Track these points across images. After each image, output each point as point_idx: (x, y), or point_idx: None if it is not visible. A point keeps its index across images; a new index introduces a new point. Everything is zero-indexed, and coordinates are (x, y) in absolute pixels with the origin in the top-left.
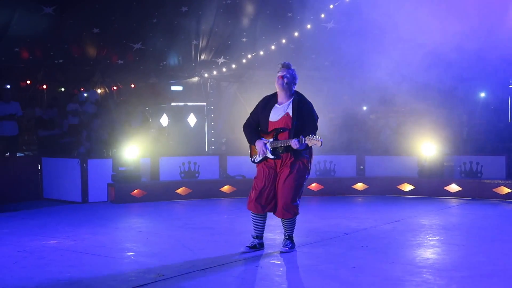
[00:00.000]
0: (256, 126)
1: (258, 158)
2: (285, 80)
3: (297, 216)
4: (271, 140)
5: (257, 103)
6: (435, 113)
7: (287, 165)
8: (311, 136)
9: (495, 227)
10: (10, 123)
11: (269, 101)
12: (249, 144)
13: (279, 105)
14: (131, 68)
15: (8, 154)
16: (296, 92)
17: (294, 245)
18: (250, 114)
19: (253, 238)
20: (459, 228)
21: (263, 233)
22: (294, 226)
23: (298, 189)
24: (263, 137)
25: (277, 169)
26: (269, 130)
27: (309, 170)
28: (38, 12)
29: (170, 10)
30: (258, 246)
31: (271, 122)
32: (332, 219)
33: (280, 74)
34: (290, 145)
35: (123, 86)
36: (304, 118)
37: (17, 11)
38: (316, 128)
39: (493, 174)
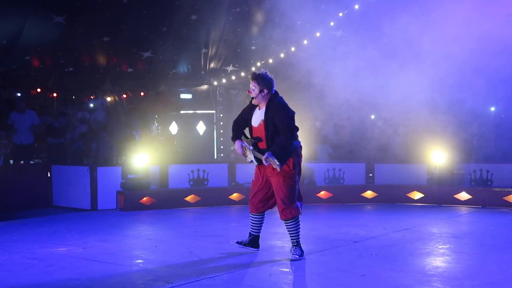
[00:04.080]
0: (243, 124)
1: (248, 159)
2: (252, 94)
3: (302, 223)
4: (251, 148)
5: None
6: (445, 122)
7: (274, 169)
8: (270, 157)
9: (505, 235)
10: (26, 132)
11: (253, 104)
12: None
13: (259, 109)
14: (140, 76)
15: (22, 162)
16: (274, 94)
17: (303, 252)
18: (241, 111)
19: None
20: (469, 237)
21: (258, 231)
22: (297, 231)
23: (290, 190)
24: (248, 138)
25: (267, 172)
26: (252, 135)
27: (297, 169)
28: (49, 21)
29: (180, 18)
30: (245, 241)
31: (253, 127)
32: (341, 227)
33: (249, 88)
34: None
35: (133, 94)
36: (275, 124)
37: (28, 20)
38: (289, 130)
39: (503, 182)
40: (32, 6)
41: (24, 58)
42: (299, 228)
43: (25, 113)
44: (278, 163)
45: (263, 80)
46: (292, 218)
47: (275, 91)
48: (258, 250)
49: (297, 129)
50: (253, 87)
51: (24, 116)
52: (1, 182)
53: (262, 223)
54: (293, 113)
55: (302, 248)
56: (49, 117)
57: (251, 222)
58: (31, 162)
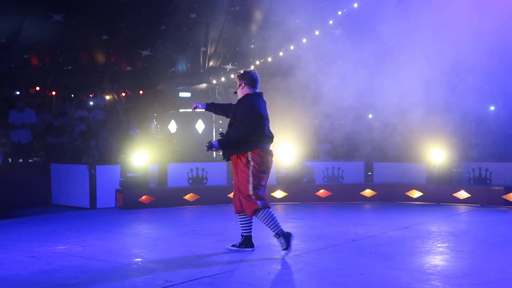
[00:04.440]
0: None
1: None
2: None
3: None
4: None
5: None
6: (444, 121)
7: (234, 163)
8: (208, 144)
9: (504, 234)
10: (24, 130)
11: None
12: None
13: None
14: (139, 74)
15: (21, 160)
16: (252, 94)
17: (288, 242)
18: None
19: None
20: (468, 235)
21: (247, 231)
22: (270, 223)
23: (244, 184)
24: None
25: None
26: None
27: (253, 165)
28: (47, 19)
29: (179, 17)
30: (238, 243)
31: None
32: (340, 226)
33: None
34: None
35: (132, 92)
36: (235, 118)
37: (27, 19)
38: (241, 124)
39: (502, 181)
40: (31, 4)
41: (23, 57)
42: (273, 222)
43: (24, 112)
44: (214, 149)
45: (244, 76)
46: (253, 212)
47: (258, 92)
48: (253, 250)
49: (263, 130)
50: (237, 82)
51: (23, 115)
52: (0, 181)
53: (250, 222)
54: (255, 113)
55: (287, 240)
56: (48, 115)
57: (239, 223)
58: (30, 160)
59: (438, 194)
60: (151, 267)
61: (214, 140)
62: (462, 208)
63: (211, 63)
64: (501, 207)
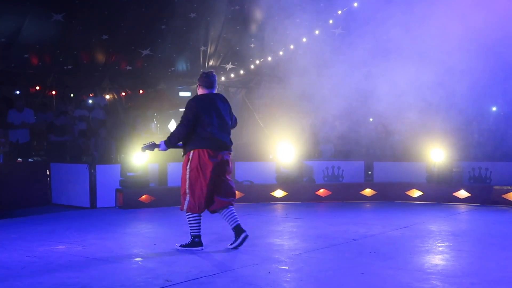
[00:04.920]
0: None
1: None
2: None
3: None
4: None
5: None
6: (444, 120)
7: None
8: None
9: (504, 233)
10: (22, 130)
11: None
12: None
13: None
14: (139, 74)
15: (20, 159)
16: (201, 94)
17: (190, 245)
18: None
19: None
20: (468, 234)
21: (195, 231)
22: (191, 225)
23: (182, 182)
24: None
25: None
26: None
27: (189, 165)
28: (47, 18)
29: (179, 16)
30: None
31: None
32: (340, 225)
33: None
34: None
35: (132, 92)
36: None
37: (27, 18)
38: (181, 122)
39: (502, 180)
40: (31, 4)
41: (23, 56)
42: (193, 225)
43: (23, 111)
44: (159, 149)
45: (200, 77)
46: (185, 210)
47: (210, 93)
48: (202, 249)
49: (202, 131)
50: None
51: (22, 114)
52: (1, 180)
53: (234, 215)
54: (194, 114)
55: (194, 243)
56: (50, 114)
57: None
58: (30, 160)
59: (438, 194)
60: (151, 266)
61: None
62: (462, 207)
63: (211, 63)
64: (501, 207)
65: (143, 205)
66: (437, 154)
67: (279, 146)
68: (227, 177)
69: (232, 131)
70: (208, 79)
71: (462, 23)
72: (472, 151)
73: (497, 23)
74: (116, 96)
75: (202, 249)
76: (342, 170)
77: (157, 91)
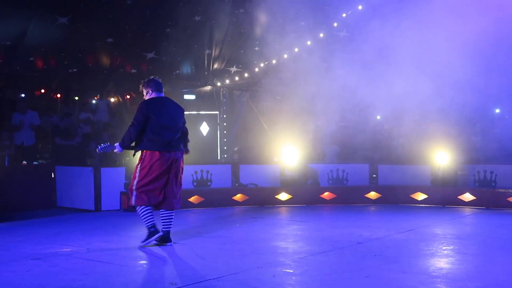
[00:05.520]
0: None
1: None
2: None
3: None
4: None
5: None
6: (449, 123)
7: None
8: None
9: (509, 236)
10: (27, 132)
11: None
12: None
13: None
14: (144, 77)
15: (25, 162)
16: (151, 98)
17: (148, 238)
18: None
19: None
20: (473, 238)
21: (149, 224)
22: (144, 217)
23: (132, 179)
24: None
25: None
26: None
27: (140, 164)
28: (52, 22)
29: (183, 19)
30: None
31: None
32: (344, 228)
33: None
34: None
35: (136, 94)
36: None
37: (32, 21)
38: (130, 127)
39: (507, 183)
40: (36, 7)
41: (28, 59)
42: (145, 217)
43: (26, 113)
44: (115, 151)
45: (149, 84)
46: (135, 205)
47: (161, 97)
48: (171, 244)
49: (150, 133)
50: (144, 90)
51: (25, 117)
52: (6, 183)
53: (170, 221)
54: (143, 116)
55: (151, 236)
56: (55, 117)
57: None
58: (35, 163)
59: (443, 197)
60: (155, 269)
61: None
62: (467, 210)
63: (215, 66)
64: (506, 210)
65: None
66: (441, 157)
67: (284, 149)
68: (177, 177)
69: (237, 133)
70: (157, 84)
71: (465, 25)
72: (476, 154)
73: (499, 24)
74: (120, 99)
75: (160, 235)
76: (347, 173)
77: None
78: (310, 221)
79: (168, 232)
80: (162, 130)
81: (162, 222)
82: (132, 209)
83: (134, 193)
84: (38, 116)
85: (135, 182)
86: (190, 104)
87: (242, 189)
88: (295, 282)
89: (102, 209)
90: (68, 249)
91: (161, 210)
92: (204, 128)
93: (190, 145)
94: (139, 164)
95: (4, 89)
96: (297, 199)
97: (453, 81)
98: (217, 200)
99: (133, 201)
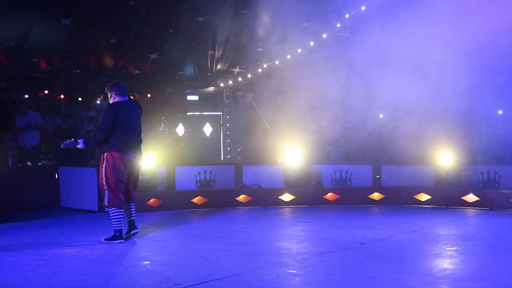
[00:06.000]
0: None
1: None
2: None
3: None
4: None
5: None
6: (453, 124)
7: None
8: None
9: None
10: (30, 134)
11: None
12: None
13: None
14: (147, 78)
15: (29, 163)
16: (116, 101)
17: (111, 239)
18: None
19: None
20: (477, 239)
21: (117, 225)
22: (114, 219)
23: (100, 180)
24: None
25: None
26: None
27: (105, 165)
28: (56, 23)
29: (187, 20)
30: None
31: None
32: (348, 229)
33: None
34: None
35: (140, 95)
36: None
37: (35, 22)
38: (98, 128)
39: (511, 184)
40: (39, 8)
41: (32, 60)
42: (116, 219)
43: (27, 115)
44: (78, 146)
45: (113, 88)
46: (107, 206)
47: (126, 100)
48: (122, 242)
49: (117, 135)
50: (108, 94)
51: (26, 118)
52: (9, 184)
53: (133, 211)
54: (111, 120)
55: (115, 236)
56: (58, 118)
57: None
58: (39, 163)
59: (446, 197)
60: (159, 270)
61: (80, 139)
62: (471, 211)
63: (218, 66)
64: (510, 211)
65: (151, 208)
66: (445, 158)
67: (287, 150)
68: (137, 175)
69: (240, 134)
70: (121, 88)
71: (469, 25)
72: (480, 154)
73: (503, 26)
74: None
75: (122, 242)
76: (350, 174)
77: (165, 95)
78: (314, 222)
79: (134, 219)
80: (128, 133)
81: (127, 213)
82: (136, 209)
83: (107, 193)
84: (39, 116)
85: (104, 183)
86: (194, 105)
87: (245, 190)
88: (299, 282)
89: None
90: (72, 250)
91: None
92: (208, 129)
93: (192, 146)
94: (104, 165)
95: (8, 90)
96: (300, 200)
97: (456, 82)
98: (220, 201)
99: (106, 202)
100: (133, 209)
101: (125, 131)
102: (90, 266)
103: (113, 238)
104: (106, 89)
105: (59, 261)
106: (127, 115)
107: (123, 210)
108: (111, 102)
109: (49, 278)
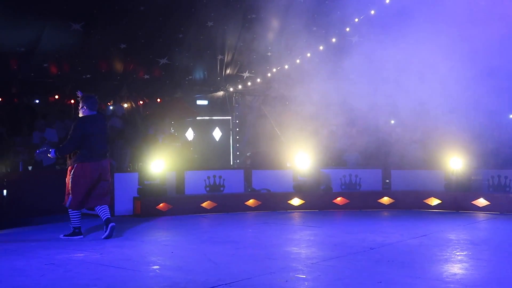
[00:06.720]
0: None
1: None
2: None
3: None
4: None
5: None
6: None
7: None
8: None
9: None
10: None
11: None
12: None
13: None
14: (157, 82)
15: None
16: (87, 115)
17: (71, 234)
18: None
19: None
20: (487, 243)
21: (76, 224)
22: (73, 218)
23: (67, 184)
24: None
25: None
26: None
27: (72, 172)
28: (66, 28)
29: (196, 25)
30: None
31: None
32: (358, 234)
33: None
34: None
35: (149, 100)
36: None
37: (46, 27)
38: (67, 139)
39: None
40: (49, 13)
41: (42, 65)
42: (75, 219)
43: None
44: (49, 155)
45: (86, 100)
46: (67, 207)
47: (95, 114)
48: (82, 237)
49: (87, 147)
50: (80, 103)
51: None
52: (19, 188)
53: (105, 211)
54: (81, 133)
55: (74, 233)
56: (69, 122)
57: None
58: (56, 167)
59: (456, 202)
60: (168, 274)
61: (52, 149)
62: (481, 216)
63: (228, 71)
64: None
65: (160, 213)
66: (455, 162)
67: (296, 154)
68: (103, 181)
69: (249, 139)
70: (93, 103)
71: (480, 30)
72: (491, 159)
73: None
74: (134, 105)
75: (81, 238)
76: (360, 178)
77: (174, 99)
78: (323, 227)
79: (109, 217)
80: (98, 142)
81: (102, 213)
82: (145, 214)
83: (70, 197)
84: (56, 134)
85: (70, 188)
86: (203, 109)
87: (254, 194)
88: (308, 287)
89: (115, 214)
90: (82, 254)
91: (97, 207)
92: (217, 134)
93: (202, 150)
94: (72, 173)
95: (19, 95)
96: (309, 204)
97: (466, 86)
98: (229, 205)
99: (67, 203)
100: (106, 209)
101: (94, 142)
102: (100, 270)
103: (73, 234)
104: (79, 98)
105: (69, 266)
106: (96, 128)
107: (80, 212)
108: (80, 115)
109: (59, 282)
